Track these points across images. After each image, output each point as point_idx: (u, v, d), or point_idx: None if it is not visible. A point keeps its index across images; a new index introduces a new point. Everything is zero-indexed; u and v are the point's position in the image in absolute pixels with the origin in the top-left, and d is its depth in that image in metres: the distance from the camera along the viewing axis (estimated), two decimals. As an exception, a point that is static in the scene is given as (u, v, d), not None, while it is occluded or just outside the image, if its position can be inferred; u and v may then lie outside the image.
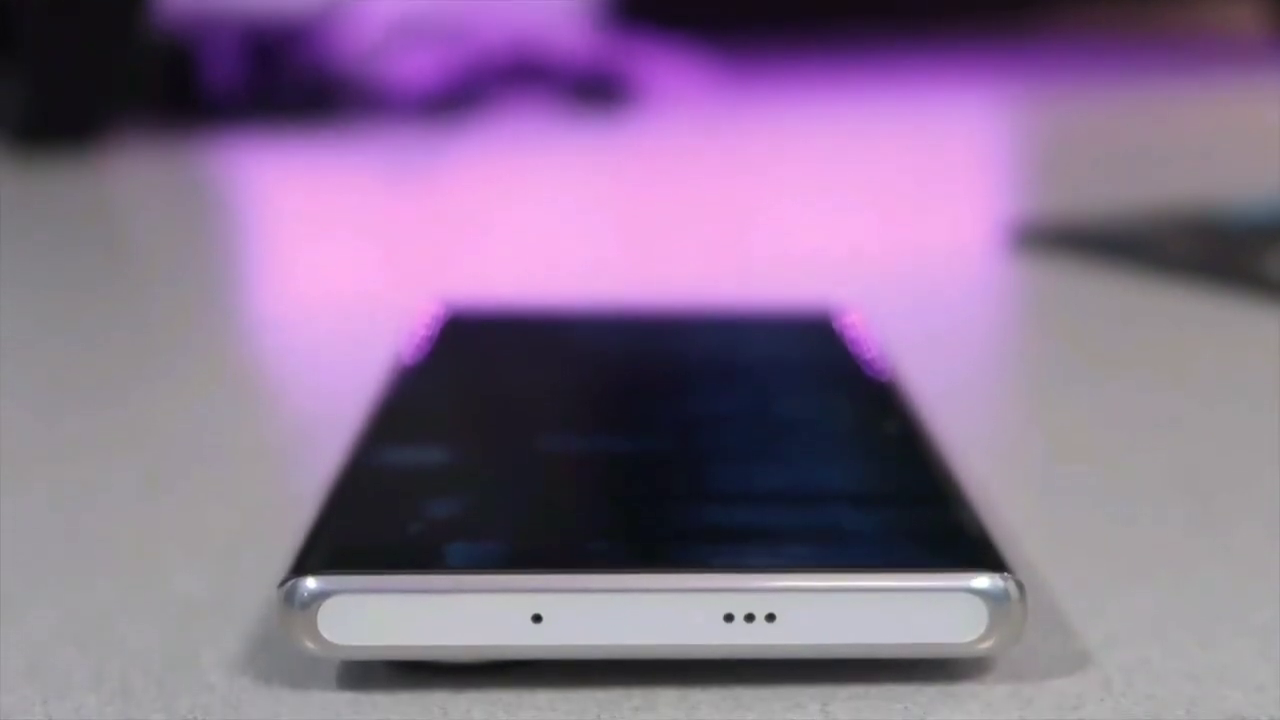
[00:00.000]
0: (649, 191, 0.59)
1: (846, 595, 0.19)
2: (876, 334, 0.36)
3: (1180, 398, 0.32)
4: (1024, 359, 0.36)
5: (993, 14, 1.32)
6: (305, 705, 0.19)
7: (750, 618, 0.19)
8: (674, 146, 0.72)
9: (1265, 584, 0.23)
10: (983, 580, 0.19)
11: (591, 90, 0.84)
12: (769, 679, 0.20)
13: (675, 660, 0.20)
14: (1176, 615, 0.22)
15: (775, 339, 0.31)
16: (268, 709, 0.19)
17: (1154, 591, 0.23)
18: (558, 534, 0.21)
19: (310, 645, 0.19)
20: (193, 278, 0.46)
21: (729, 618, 0.19)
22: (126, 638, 0.22)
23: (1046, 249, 0.47)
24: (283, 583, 0.19)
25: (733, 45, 1.13)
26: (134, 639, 0.21)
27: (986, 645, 0.19)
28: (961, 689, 0.20)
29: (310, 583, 0.19)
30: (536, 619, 0.19)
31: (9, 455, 0.30)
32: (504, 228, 0.52)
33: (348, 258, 0.48)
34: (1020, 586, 0.19)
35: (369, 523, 0.21)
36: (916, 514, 0.21)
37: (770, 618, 0.19)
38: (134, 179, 0.65)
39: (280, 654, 0.21)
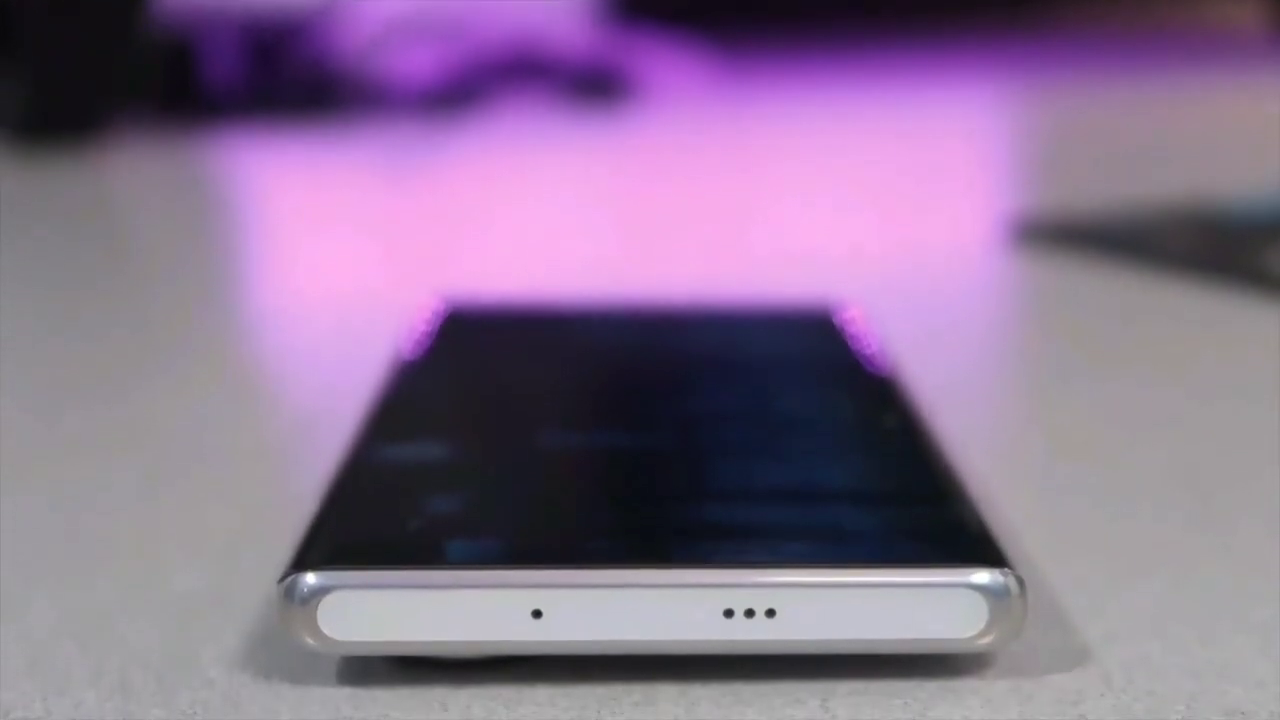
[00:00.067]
0: (648, 188, 0.59)
1: (846, 591, 0.19)
2: (877, 330, 0.36)
3: (1181, 394, 0.32)
4: (1024, 355, 0.36)
5: (993, 10, 1.32)
6: (305, 701, 0.19)
7: (750, 613, 0.19)
8: (673, 143, 0.71)
9: (1265, 580, 0.23)
10: (983, 576, 0.19)
11: (591, 86, 0.84)
12: (769, 674, 0.20)
13: (675, 656, 0.20)
14: (1177, 611, 0.22)
15: (775, 335, 0.31)
16: (268, 705, 0.19)
17: (1154, 587, 0.23)
18: (557, 529, 0.21)
19: (310, 641, 0.19)
20: (193, 274, 0.46)
21: (729, 613, 0.19)
22: (126, 634, 0.21)
23: (1047, 245, 0.47)
24: (282, 578, 0.19)
25: (732, 41, 1.13)
26: (134, 636, 0.21)
27: (987, 641, 0.19)
28: (962, 684, 0.20)
29: (310, 578, 0.19)
30: (536, 614, 0.19)
31: (9, 453, 0.30)
32: (503, 224, 0.52)
33: (347, 254, 0.48)
34: (1020, 582, 0.19)
35: (369, 518, 0.21)
36: (916, 509, 0.21)
37: (770, 613, 0.19)
38: (134, 176, 0.65)
39: (280, 650, 0.21)
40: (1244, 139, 0.69)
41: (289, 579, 0.19)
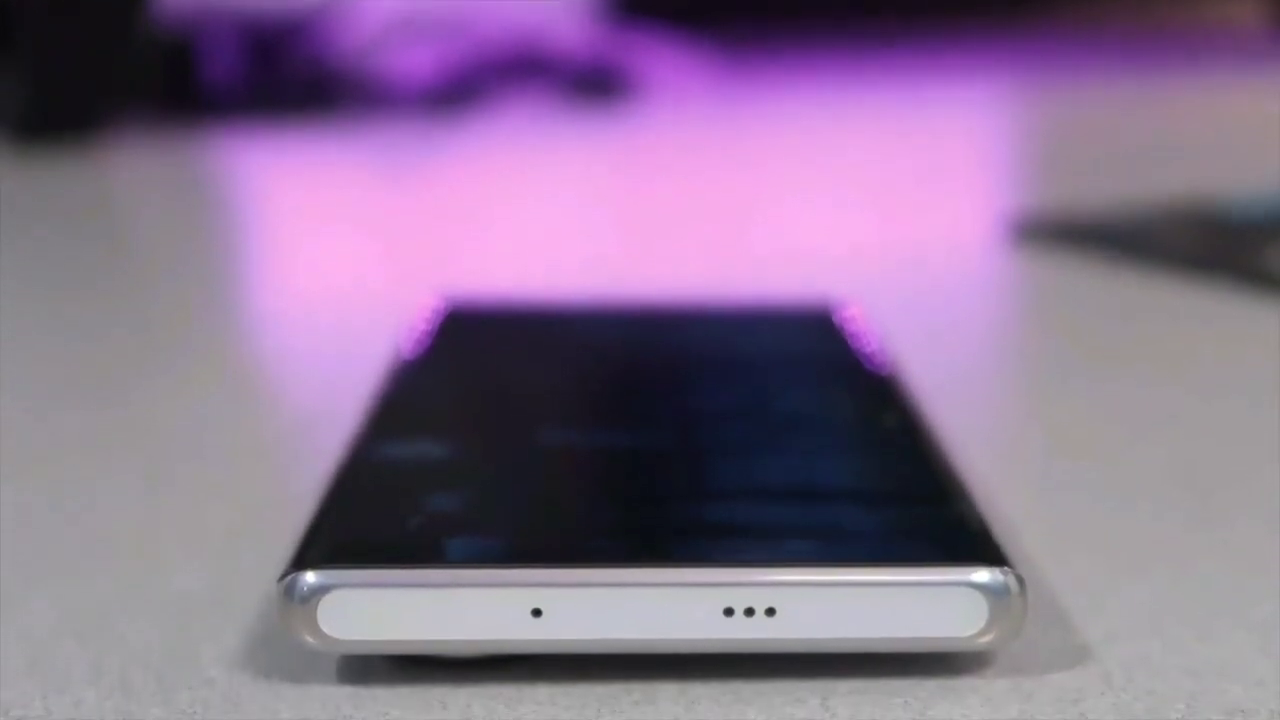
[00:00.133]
0: (648, 186, 0.59)
1: (846, 590, 0.19)
2: (876, 328, 0.36)
3: (1180, 392, 0.32)
4: (1024, 353, 0.36)
5: (993, 8, 1.32)
6: (305, 700, 0.19)
7: (750, 612, 0.19)
8: (673, 141, 0.71)
9: (1265, 579, 0.23)
10: (983, 574, 0.19)
11: (591, 85, 0.84)
12: (769, 673, 0.20)
13: (675, 655, 0.20)
14: (1176, 610, 0.22)
15: (775, 333, 0.31)
16: (267, 704, 0.19)
17: (1154, 586, 0.23)
18: (557, 528, 0.21)
19: (310, 640, 0.19)
20: (192, 273, 0.45)
21: (729, 612, 0.19)
22: (126, 633, 0.21)
23: (1046, 243, 0.47)
24: (282, 577, 0.19)
25: (732, 40, 1.13)
26: (134, 634, 0.21)
27: (986, 640, 0.19)
28: (961, 683, 0.20)
29: (310, 577, 0.19)
30: (536, 613, 0.19)
31: (9, 452, 0.30)
32: (503, 222, 0.52)
33: (347, 252, 0.48)
34: (1020, 581, 0.19)
35: (369, 517, 0.21)
36: (916, 508, 0.21)
37: (770, 612, 0.19)
38: (134, 174, 0.65)
39: (280, 649, 0.21)
40: (1244, 138, 0.69)
41: (289, 578, 0.19)
